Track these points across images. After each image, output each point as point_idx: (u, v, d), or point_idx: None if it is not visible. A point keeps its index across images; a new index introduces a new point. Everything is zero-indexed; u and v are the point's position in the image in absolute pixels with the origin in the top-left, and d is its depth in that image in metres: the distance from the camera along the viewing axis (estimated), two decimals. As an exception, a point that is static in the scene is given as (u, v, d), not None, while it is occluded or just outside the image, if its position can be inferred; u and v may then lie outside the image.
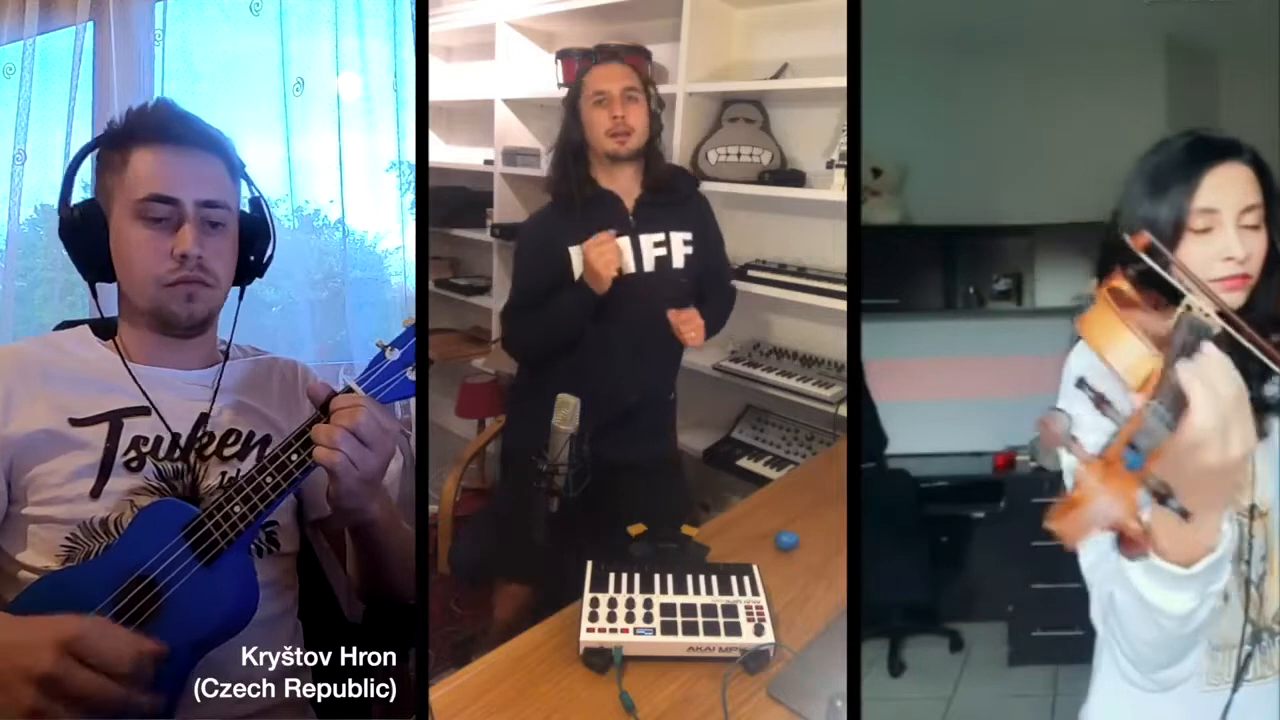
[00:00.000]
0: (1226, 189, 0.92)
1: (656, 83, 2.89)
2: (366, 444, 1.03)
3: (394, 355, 1.06)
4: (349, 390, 1.06)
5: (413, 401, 1.58)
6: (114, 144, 1.16)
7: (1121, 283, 0.87)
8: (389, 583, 1.23)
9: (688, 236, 1.86)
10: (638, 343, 1.78)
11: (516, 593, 1.86)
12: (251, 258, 1.24)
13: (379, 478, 1.08)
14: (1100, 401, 0.71)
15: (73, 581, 1.05)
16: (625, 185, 1.82)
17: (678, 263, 1.85)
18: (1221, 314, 0.80)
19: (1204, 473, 0.72)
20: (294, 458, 1.04)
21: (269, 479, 1.02)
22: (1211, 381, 0.72)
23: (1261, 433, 0.92)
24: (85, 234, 1.16)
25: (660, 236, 1.84)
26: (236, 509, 1.02)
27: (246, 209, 1.23)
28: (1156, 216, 0.93)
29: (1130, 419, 0.71)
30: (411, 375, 1.06)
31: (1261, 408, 0.92)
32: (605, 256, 1.70)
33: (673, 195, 1.87)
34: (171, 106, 1.20)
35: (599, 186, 1.82)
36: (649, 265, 1.82)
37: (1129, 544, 0.69)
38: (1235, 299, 0.92)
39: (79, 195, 1.19)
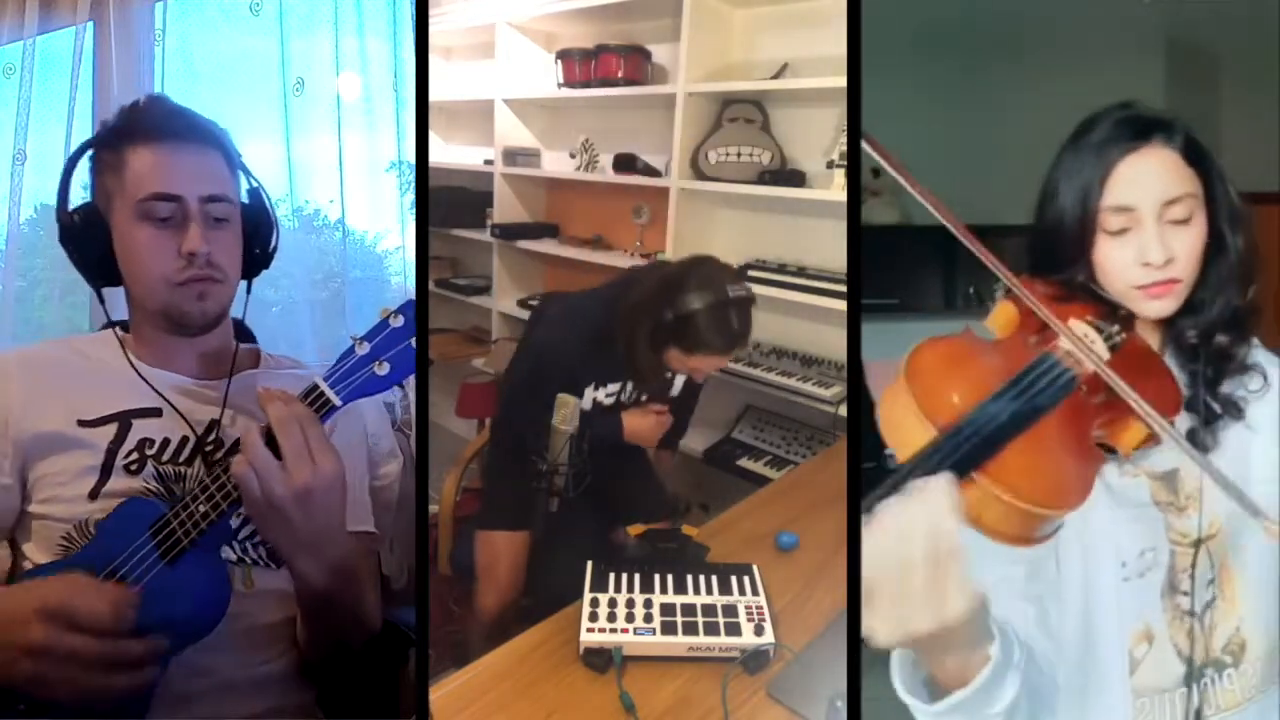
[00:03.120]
0: (1144, 179, 0.81)
1: (656, 80, 2.91)
2: (281, 458, 0.94)
3: (364, 349, 0.99)
4: (314, 389, 1.00)
5: (413, 401, 1.57)
6: (109, 144, 1.14)
7: (1003, 311, 0.78)
8: (326, 647, 1.15)
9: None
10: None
11: (500, 542, 1.81)
12: (257, 249, 1.22)
13: (290, 510, 0.95)
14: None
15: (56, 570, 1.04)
16: None
17: (675, 391, 1.95)
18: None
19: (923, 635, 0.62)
20: None
21: (232, 478, 0.98)
22: (877, 549, 0.61)
23: (1205, 446, 0.83)
24: (87, 238, 1.14)
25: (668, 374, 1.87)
26: (200, 508, 0.99)
27: (245, 200, 1.21)
28: (1062, 215, 0.83)
29: None
30: (380, 370, 0.99)
31: (1210, 418, 0.83)
32: (656, 431, 1.80)
33: None
34: (165, 101, 1.18)
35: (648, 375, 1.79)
36: (645, 396, 1.89)
37: None
38: (1163, 306, 0.82)
39: (75, 197, 1.17)
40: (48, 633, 0.90)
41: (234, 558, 1.12)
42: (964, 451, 0.64)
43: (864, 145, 0.72)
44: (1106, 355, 0.75)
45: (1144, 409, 0.69)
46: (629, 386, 1.84)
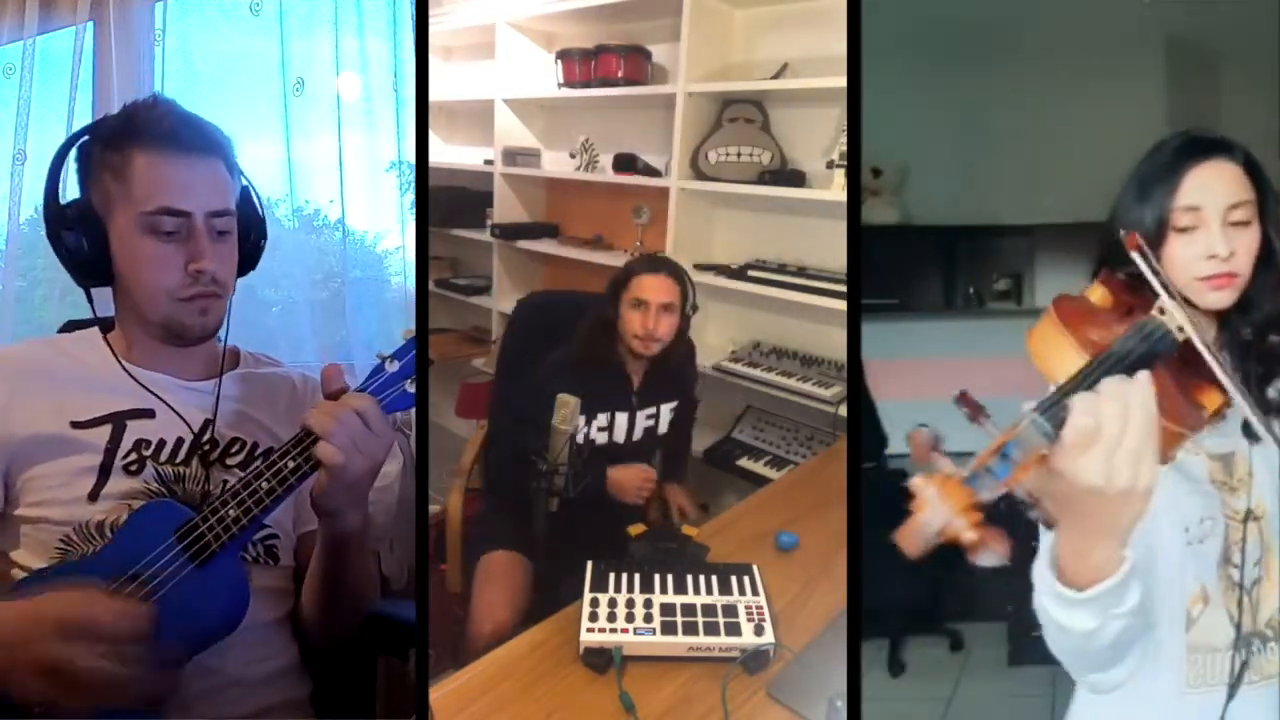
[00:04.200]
0: (1211, 186, 0.91)
1: (656, 80, 2.91)
2: (359, 442, 1.00)
3: (394, 367, 1.04)
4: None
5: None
6: (111, 143, 1.11)
7: (1098, 289, 0.88)
8: (339, 610, 1.18)
9: (674, 404, 2.01)
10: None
11: (504, 563, 1.80)
12: (245, 249, 1.21)
13: (364, 485, 1.05)
14: (975, 414, 0.71)
15: (65, 579, 1.01)
16: (636, 364, 1.93)
17: (662, 429, 1.99)
18: (1189, 325, 0.79)
19: (1085, 494, 0.70)
20: (290, 464, 1.01)
21: (264, 484, 1.00)
22: (1109, 399, 0.70)
23: (1258, 436, 0.91)
24: (79, 236, 1.10)
25: (653, 410, 1.97)
26: (231, 513, 1.00)
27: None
28: (1142, 216, 0.93)
29: (1006, 429, 0.70)
30: (410, 388, 1.04)
31: (1265, 409, 0.91)
32: (643, 491, 1.82)
33: (674, 372, 1.98)
34: (173, 108, 1.14)
35: (615, 363, 1.91)
36: (638, 435, 1.95)
37: (970, 551, 0.68)
38: (1222, 298, 0.91)
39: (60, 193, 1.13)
40: (69, 650, 0.86)
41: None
42: (1116, 374, 0.73)
43: (1136, 258, 0.84)
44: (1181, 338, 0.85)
45: (1224, 375, 0.79)
46: (618, 417, 1.90)
